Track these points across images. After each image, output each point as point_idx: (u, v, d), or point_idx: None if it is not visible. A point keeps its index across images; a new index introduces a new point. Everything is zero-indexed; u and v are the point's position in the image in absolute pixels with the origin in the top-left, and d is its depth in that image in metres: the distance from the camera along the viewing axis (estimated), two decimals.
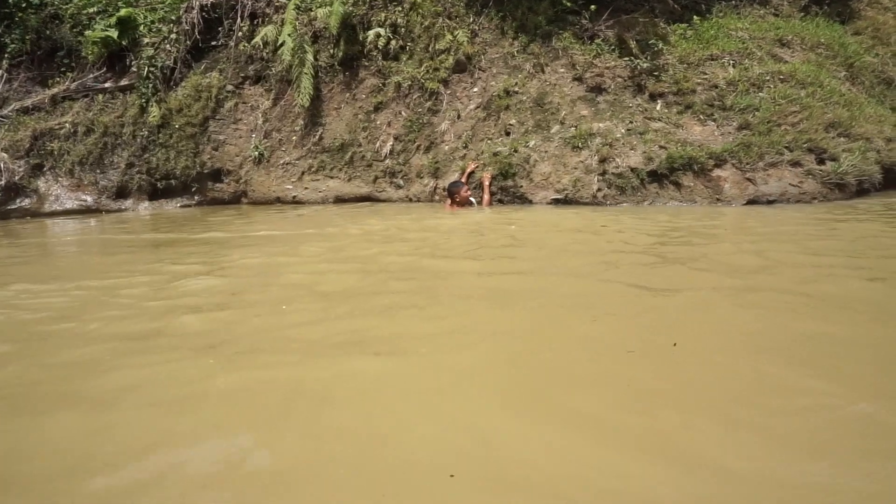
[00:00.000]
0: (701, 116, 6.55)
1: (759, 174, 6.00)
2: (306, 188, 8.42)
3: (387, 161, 7.93)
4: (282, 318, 2.49)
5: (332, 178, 8.30)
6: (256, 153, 8.66)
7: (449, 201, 6.73)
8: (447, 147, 7.51)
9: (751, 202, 5.91)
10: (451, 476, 1.24)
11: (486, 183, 6.69)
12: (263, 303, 2.78)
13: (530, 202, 6.54)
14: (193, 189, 8.98)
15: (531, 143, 6.81)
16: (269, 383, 1.77)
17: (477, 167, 6.95)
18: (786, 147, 6.04)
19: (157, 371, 1.90)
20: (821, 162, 6.07)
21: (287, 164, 8.59)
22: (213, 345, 2.14)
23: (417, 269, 3.44)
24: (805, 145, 6.05)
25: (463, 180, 6.82)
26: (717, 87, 6.65)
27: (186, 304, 2.76)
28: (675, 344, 1.92)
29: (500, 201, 6.78)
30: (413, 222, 5.66)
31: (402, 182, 7.86)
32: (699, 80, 6.75)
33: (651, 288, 2.67)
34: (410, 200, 7.71)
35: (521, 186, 6.64)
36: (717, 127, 6.44)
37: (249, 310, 2.65)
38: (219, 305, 2.75)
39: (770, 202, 5.89)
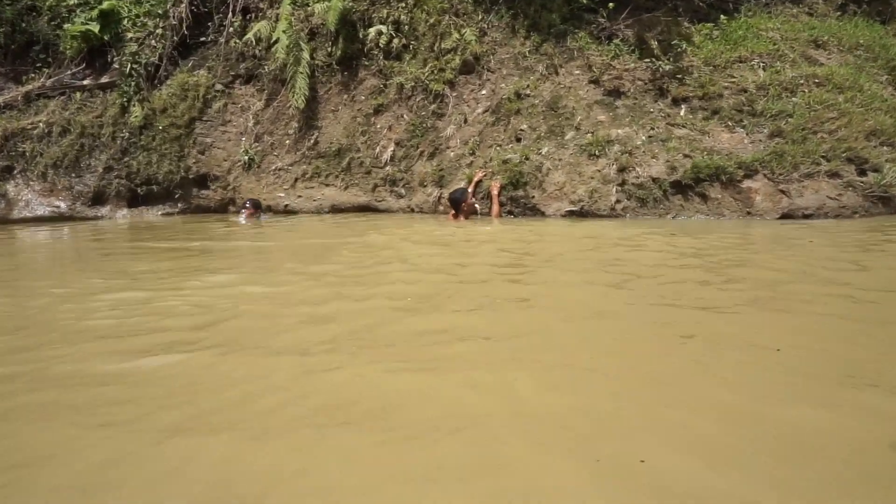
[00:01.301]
0: (729, 123, 6.21)
1: (794, 186, 5.69)
2: (300, 196, 7.92)
3: (387, 168, 7.50)
4: None
5: (327, 185, 7.83)
6: (246, 158, 8.20)
7: (453, 212, 6.28)
8: (453, 154, 7.10)
9: (785, 216, 5.59)
10: None
11: (495, 193, 6.36)
12: None
13: (543, 214, 6.20)
14: (177, 196, 8.50)
15: (544, 151, 6.47)
16: None
17: (485, 176, 6.57)
18: (822, 156, 5.73)
19: None
20: (862, 173, 5.73)
21: (279, 169, 8.11)
22: None
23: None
24: (844, 155, 5.73)
25: (470, 190, 6.36)
26: (746, 91, 6.31)
27: None
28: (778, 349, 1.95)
29: (511, 213, 6.43)
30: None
31: (403, 191, 7.40)
32: (726, 84, 6.41)
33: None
34: (412, 211, 7.26)
35: (533, 197, 6.31)
36: (747, 134, 6.11)
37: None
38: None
39: (806, 216, 5.59)
